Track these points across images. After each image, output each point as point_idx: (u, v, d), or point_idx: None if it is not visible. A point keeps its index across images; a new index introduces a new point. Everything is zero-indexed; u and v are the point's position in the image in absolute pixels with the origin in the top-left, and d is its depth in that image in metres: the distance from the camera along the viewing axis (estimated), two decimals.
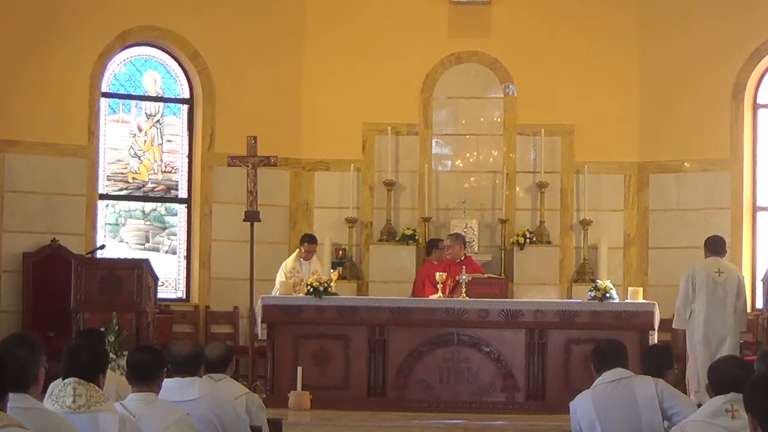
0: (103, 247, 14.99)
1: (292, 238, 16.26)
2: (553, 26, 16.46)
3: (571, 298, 15.31)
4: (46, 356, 5.13)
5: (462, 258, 14.14)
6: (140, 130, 16.29)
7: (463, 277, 13.29)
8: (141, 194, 16.23)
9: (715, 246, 13.30)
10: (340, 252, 16.12)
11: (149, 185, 16.28)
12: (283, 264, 14.71)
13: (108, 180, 16.04)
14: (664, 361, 7.64)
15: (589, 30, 16.40)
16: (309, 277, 13.81)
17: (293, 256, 14.82)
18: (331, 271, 14.09)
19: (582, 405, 7.31)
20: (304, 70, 16.54)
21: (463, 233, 15.16)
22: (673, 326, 13.50)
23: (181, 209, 16.35)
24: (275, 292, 14.19)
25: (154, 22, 15.99)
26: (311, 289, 13.11)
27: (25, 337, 5.11)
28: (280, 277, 14.52)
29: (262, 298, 13.24)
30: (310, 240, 14.75)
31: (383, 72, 16.40)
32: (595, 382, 7.32)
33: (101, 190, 15.86)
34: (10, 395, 4.91)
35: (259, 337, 13.62)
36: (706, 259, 13.26)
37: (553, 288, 15.93)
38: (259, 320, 13.25)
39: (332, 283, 13.42)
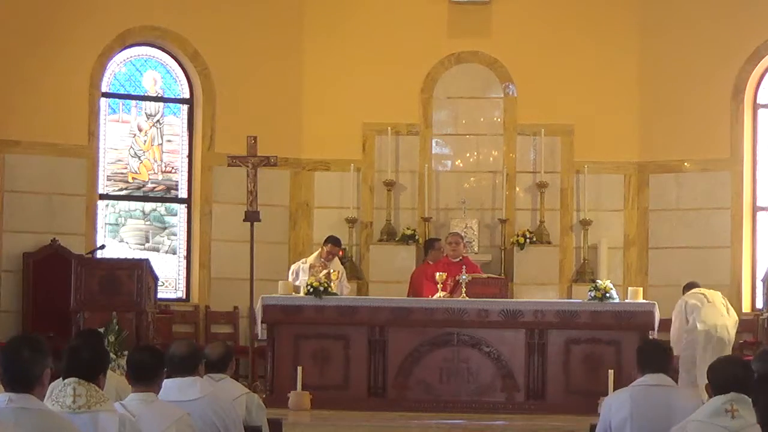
0: (103, 247, 14.98)
1: (292, 238, 16.27)
2: (553, 26, 16.45)
3: (571, 298, 15.30)
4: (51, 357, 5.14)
5: (460, 258, 14.13)
6: (140, 130, 16.29)
7: (463, 277, 13.28)
8: (141, 194, 16.23)
9: (692, 284, 13.79)
10: (340, 252, 16.10)
11: (149, 185, 16.28)
12: (304, 259, 14.70)
13: (108, 180, 16.04)
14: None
15: (589, 30, 16.38)
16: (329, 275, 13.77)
17: (314, 254, 14.77)
18: (331, 270, 14.08)
19: (618, 400, 7.32)
20: (304, 70, 16.53)
21: (463, 233, 15.16)
22: (675, 353, 13.79)
23: (181, 209, 16.35)
24: (291, 274, 14.22)
25: (154, 22, 15.99)
26: (311, 289, 13.11)
27: (29, 338, 5.10)
28: (296, 266, 14.49)
29: (262, 298, 13.22)
30: (334, 242, 14.65)
31: (383, 72, 16.39)
32: (635, 381, 7.34)
33: (101, 190, 15.86)
34: (14, 395, 4.91)
35: (259, 337, 13.61)
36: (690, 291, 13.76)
37: (553, 288, 15.92)
38: (259, 320, 13.24)
39: (332, 284, 13.42)
